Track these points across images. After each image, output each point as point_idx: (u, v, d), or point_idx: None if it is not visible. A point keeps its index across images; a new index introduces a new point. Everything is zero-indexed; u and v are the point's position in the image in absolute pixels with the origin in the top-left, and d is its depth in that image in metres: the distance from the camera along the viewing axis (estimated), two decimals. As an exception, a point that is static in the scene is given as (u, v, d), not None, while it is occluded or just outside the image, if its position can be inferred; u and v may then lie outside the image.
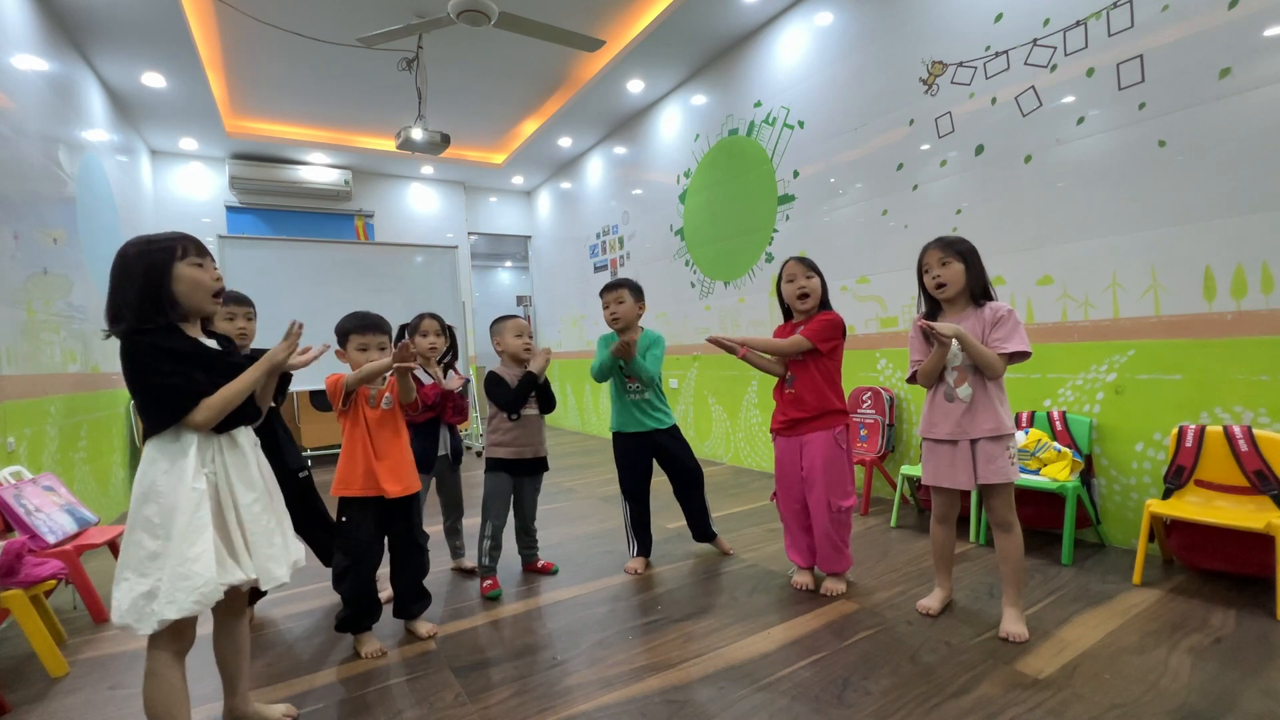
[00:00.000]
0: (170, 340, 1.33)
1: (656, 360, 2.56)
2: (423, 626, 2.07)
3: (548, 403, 2.47)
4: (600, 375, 2.57)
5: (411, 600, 2.07)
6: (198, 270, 1.36)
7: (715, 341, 2.22)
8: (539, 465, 2.50)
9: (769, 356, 2.29)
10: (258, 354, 2.32)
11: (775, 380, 2.34)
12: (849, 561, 2.27)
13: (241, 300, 2.28)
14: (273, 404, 2.08)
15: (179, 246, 1.35)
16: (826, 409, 2.21)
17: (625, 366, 2.50)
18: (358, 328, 1.98)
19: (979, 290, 1.90)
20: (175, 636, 1.32)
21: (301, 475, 2.32)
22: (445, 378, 2.52)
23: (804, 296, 2.22)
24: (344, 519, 1.95)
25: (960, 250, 1.89)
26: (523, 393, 2.35)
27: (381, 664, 1.88)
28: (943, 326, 1.83)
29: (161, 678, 1.31)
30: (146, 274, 1.31)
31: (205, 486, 1.31)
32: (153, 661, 1.32)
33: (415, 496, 2.03)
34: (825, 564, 2.25)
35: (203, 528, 1.28)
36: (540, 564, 2.65)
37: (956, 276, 1.88)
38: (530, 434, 2.44)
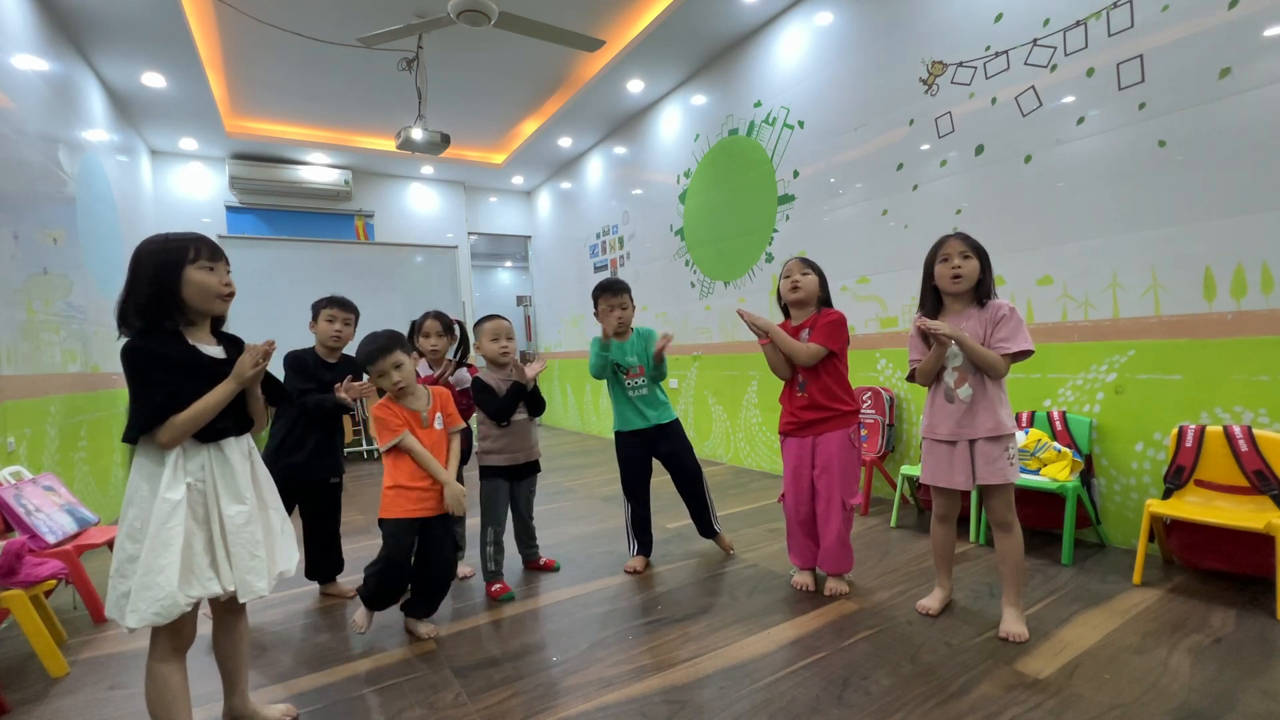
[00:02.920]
0: (169, 346, 1.33)
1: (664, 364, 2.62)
2: (423, 627, 2.07)
3: (537, 406, 2.45)
4: (600, 373, 2.58)
5: (426, 598, 2.07)
6: (207, 274, 1.36)
7: (745, 315, 2.21)
8: (532, 468, 2.51)
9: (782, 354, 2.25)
10: (347, 360, 2.34)
11: (775, 379, 2.34)
12: (852, 561, 2.28)
13: (346, 305, 2.35)
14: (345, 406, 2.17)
15: (191, 248, 1.35)
16: (839, 410, 2.21)
17: (658, 366, 2.55)
18: (366, 358, 1.99)
19: (984, 291, 1.90)
20: (173, 634, 1.32)
21: (333, 481, 2.35)
22: (453, 375, 2.52)
23: (795, 289, 2.21)
24: (391, 532, 1.96)
25: (978, 249, 1.89)
26: (510, 403, 2.33)
27: (381, 664, 1.88)
28: (941, 327, 1.83)
29: (161, 674, 1.32)
30: (157, 274, 1.32)
31: (182, 497, 1.29)
32: (153, 658, 1.33)
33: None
34: (832, 564, 2.24)
35: (171, 540, 1.26)
36: (542, 561, 2.65)
37: (973, 273, 1.88)
38: (522, 439, 2.43)
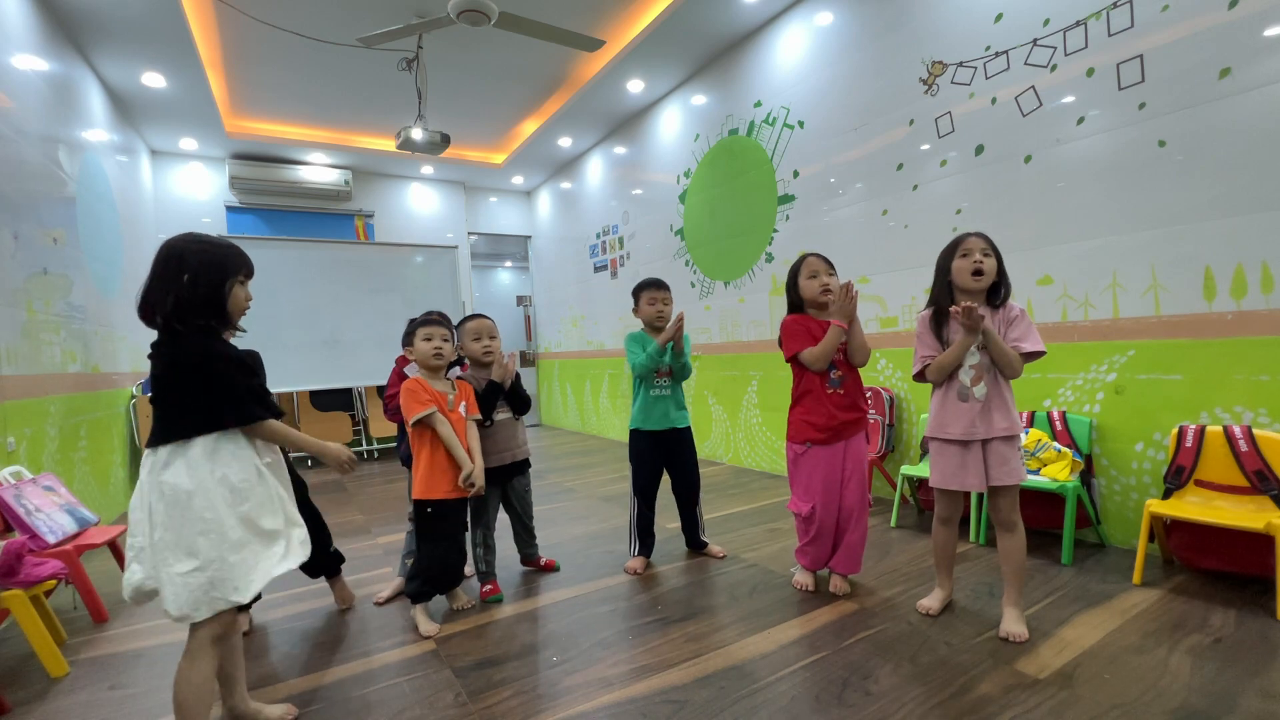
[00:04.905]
0: (226, 345, 1.42)
1: (689, 351, 2.65)
2: (462, 597, 2.28)
3: (520, 405, 2.43)
4: (648, 368, 2.52)
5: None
6: (241, 288, 1.45)
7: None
8: (522, 466, 2.50)
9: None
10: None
11: (775, 379, 2.33)
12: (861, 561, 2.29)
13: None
14: None
15: (241, 264, 1.44)
16: (864, 410, 2.25)
17: (674, 354, 2.54)
18: (422, 320, 2.14)
19: (1001, 294, 1.89)
20: (221, 621, 1.37)
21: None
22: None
23: (827, 292, 2.17)
24: (434, 515, 2.09)
25: (996, 249, 1.89)
26: (488, 402, 2.32)
27: (381, 664, 1.88)
28: (976, 308, 1.77)
29: (200, 662, 1.35)
30: (210, 279, 1.38)
31: (258, 478, 1.42)
32: (193, 645, 1.36)
33: None
34: (849, 565, 2.24)
35: (256, 512, 1.40)
36: (542, 561, 2.65)
37: (993, 271, 1.86)
38: (505, 439, 2.41)
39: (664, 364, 2.57)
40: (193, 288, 1.35)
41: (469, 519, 2.40)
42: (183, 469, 1.31)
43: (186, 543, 1.29)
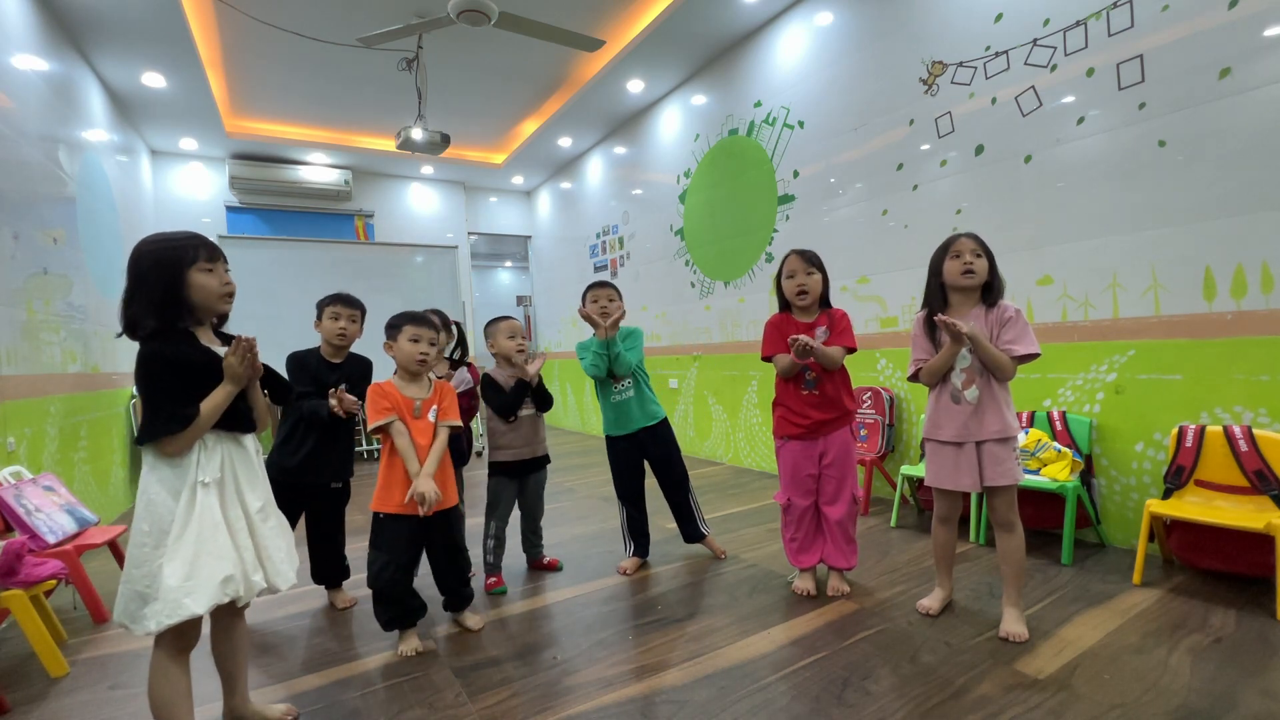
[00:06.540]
0: (186, 350, 1.33)
1: (634, 349, 2.55)
2: (471, 619, 2.11)
3: (544, 402, 2.48)
4: (597, 368, 2.49)
5: (459, 597, 2.11)
6: (207, 275, 1.36)
7: (800, 343, 2.01)
8: (541, 462, 2.53)
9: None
10: (354, 359, 2.32)
11: (771, 381, 2.33)
12: (857, 556, 2.28)
13: (350, 302, 2.31)
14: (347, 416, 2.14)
15: (190, 251, 1.34)
16: (847, 409, 2.23)
17: (610, 352, 2.45)
18: (404, 318, 1.97)
19: (994, 294, 1.90)
20: (179, 633, 1.32)
21: (334, 486, 2.36)
22: (453, 376, 2.53)
23: (802, 293, 2.18)
24: (384, 526, 1.92)
25: (988, 250, 1.89)
26: (516, 399, 2.36)
27: (381, 664, 1.88)
28: (961, 325, 1.80)
29: (166, 674, 1.32)
30: (160, 277, 1.32)
31: (204, 495, 1.33)
32: (157, 658, 1.33)
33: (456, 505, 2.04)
34: (840, 558, 2.24)
35: (194, 537, 1.30)
36: (546, 560, 2.66)
37: (983, 270, 1.87)
38: (529, 434, 2.46)
39: (613, 354, 2.47)
40: (150, 288, 1.31)
41: (486, 510, 2.41)
42: (146, 475, 1.31)
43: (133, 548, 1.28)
